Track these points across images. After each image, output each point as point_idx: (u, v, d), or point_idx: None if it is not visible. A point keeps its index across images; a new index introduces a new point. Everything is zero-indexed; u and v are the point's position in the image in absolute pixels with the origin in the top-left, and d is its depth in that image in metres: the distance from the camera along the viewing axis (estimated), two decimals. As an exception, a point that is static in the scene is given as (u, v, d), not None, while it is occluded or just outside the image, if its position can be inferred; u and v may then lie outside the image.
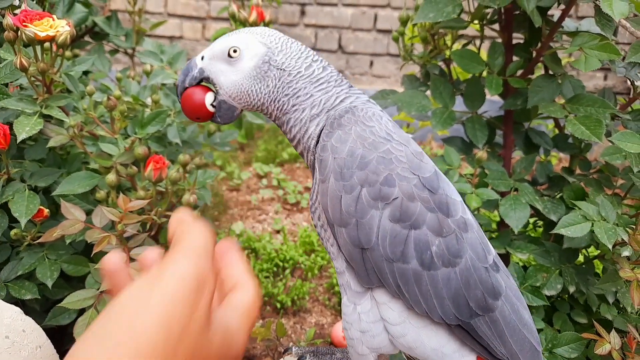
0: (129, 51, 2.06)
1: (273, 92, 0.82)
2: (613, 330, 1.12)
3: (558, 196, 1.48)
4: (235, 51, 0.79)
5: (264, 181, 3.16)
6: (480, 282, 0.78)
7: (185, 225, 0.56)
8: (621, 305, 1.32)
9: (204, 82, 0.85)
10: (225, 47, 0.80)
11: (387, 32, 4.23)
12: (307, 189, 3.08)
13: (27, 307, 1.24)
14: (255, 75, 0.81)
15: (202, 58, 0.82)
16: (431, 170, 0.78)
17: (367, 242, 0.74)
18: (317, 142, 0.82)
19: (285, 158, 3.44)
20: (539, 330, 1.28)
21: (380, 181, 0.74)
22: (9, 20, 1.21)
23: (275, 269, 2.23)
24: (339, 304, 2.00)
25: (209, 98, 0.83)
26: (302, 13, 4.29)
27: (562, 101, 1.40)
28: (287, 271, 2.20)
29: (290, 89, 0.82)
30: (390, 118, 0.85)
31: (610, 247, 1.14)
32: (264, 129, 3.93)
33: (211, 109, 0.84)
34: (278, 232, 2.63)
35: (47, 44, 1.26)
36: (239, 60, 0.80)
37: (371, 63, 4.33)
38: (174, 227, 0.57)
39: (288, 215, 2.82)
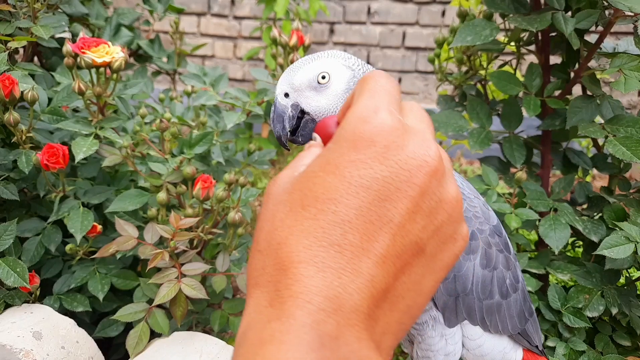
0: (171, 73, 2.14)
1: None
2: (659, 353, 1.11)
3: (598, 216, 1.47)
4: (324, 77, 0.79)
5: (295, 197, 3.19)
6: (528, 294, 0.95)
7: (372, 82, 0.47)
8: (666, 328, 1.31)
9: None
10: (313, 76, 0.79)
11: (415, 49, 4.26)
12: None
13: (76, 319, 1.29)
14: (346, 97, 0.78)
15: (286, 95, 0.80)
16: (495, 217, 0.90)
17: (464, 290, 0.84)
18: None
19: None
20: (581, 353, 1.27)
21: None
22: (68, 47, 1.29)
23: (308, 284, 2.25)
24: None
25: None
26: (331, 31, 4.36)
27: (601, 121, 1.40)
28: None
29: None
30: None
31: (654, 269, 1.13)
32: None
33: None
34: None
35: (101, 68, 1.34)
36: (329, 86, 0.79)
37: (399, 80, 4.36)
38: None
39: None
